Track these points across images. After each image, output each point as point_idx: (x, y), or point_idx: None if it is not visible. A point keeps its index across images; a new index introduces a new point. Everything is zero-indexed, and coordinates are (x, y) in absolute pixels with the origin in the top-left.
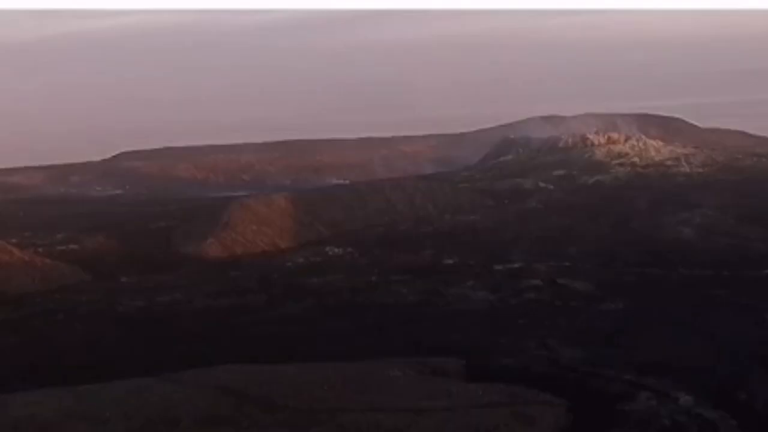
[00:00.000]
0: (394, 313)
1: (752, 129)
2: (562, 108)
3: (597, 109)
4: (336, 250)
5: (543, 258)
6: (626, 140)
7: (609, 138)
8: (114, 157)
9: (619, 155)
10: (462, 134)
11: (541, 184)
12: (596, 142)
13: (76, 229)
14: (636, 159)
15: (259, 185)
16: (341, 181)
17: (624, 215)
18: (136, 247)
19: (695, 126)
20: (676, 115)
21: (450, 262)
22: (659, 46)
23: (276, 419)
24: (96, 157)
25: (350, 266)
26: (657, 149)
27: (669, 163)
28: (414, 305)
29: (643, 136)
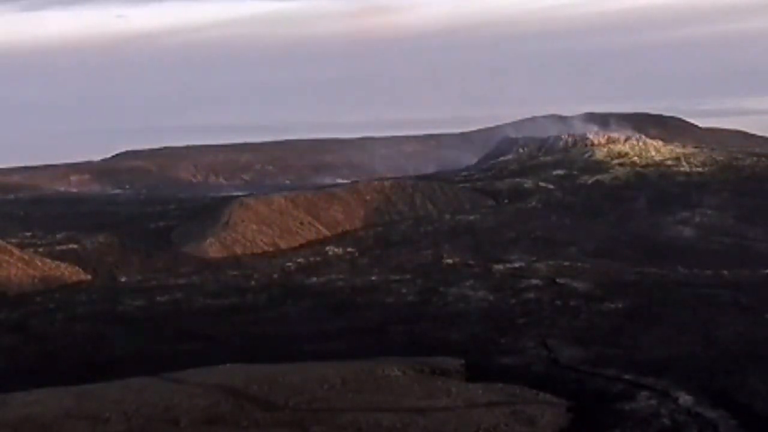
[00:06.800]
0: (394, 313)
1: (752, 129)
2: (562, 108)
3: (597, 108)
4: (336, 249)
5: (543, 257)
6: (626, 140)
7: (609, 138)
8: (114, 156)
9: (619, 155)
10: (462, 134)
11: (541, 184)
12: (596, 142)
13: (76, 229)
14: (636, 158)
15: (259, 185)
16: (341, 181)
17: (624, 215)
18: (136, 247)
19: (695, 125)
20: (676, 115)
21: (450, 261)
22: (660, 44)
23: (276, 419)
24: (96, 157)
25: (350, 266)
26: (657, 149)
27: (669, 162)
28: (414, 305)
29: (643, 136)
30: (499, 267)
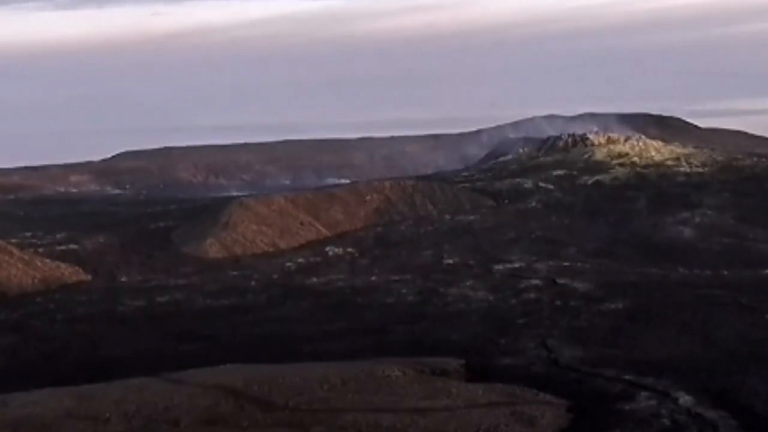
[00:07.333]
0: (394, 313)
1: (752, 129)
2: (562, 108)
3: (597, 108)
4: (336, 249)
5: (543, 258)
6: (626, 140)
7: (609, 138)
8: (114, 157)
9: (619, 155)
10: (462, 134)
11: (541, 184)
12: (596, 142)
13: (76, 229)
14: (636, 159)
15: (259, 185)
16: (341, 181)
17: (624, 215)
18: (136, 247)
19: (695, 126)
20: (676, 115)
21: (450, 261)
22: (660, 45)
23: (276, 419)
24: (96, 157)
25: (350, 266)
26: (657, 149)
27: (669, 162)
28: (414, 305)
29: (643, 136)
30: (499, 267)
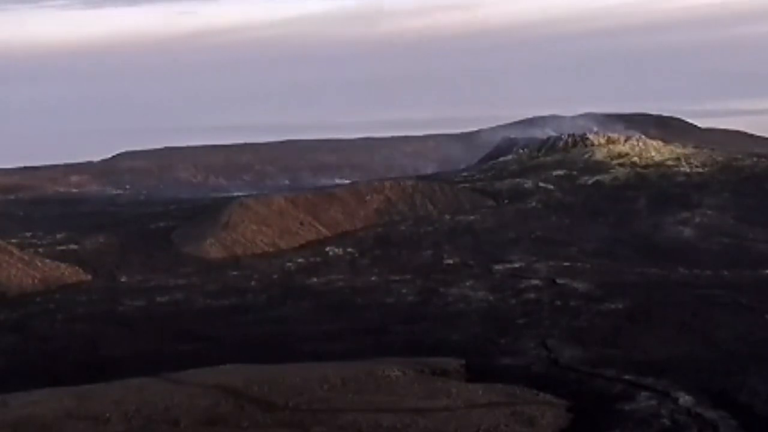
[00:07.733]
0: (394, 313)
1: (752, 129)
2: (562, 108)
3: (597, 108)
4: (336, 250)
5: (543, 258)
6: (626, 140)
7: (609, 138)
8: (114, 157)
9: (619, 155)
10: (462, 134)
11: (541, 184)
12: (596, 142)
13: (76, 229)
14: (636, 159)
15: (259, 185)
16: (341, 181)
17: (624, 215)
18: (136, 247)
19: (695, 126)
20: (676, 115)
21: (450, 261)
22: (659, 44)
23: (276, 419)
24: (96, 157)
25: (350, 266)
26: (657, 149)
27: (669, 163)
28: (414, 305)
29: (643, 136)
30: (499, 267)
